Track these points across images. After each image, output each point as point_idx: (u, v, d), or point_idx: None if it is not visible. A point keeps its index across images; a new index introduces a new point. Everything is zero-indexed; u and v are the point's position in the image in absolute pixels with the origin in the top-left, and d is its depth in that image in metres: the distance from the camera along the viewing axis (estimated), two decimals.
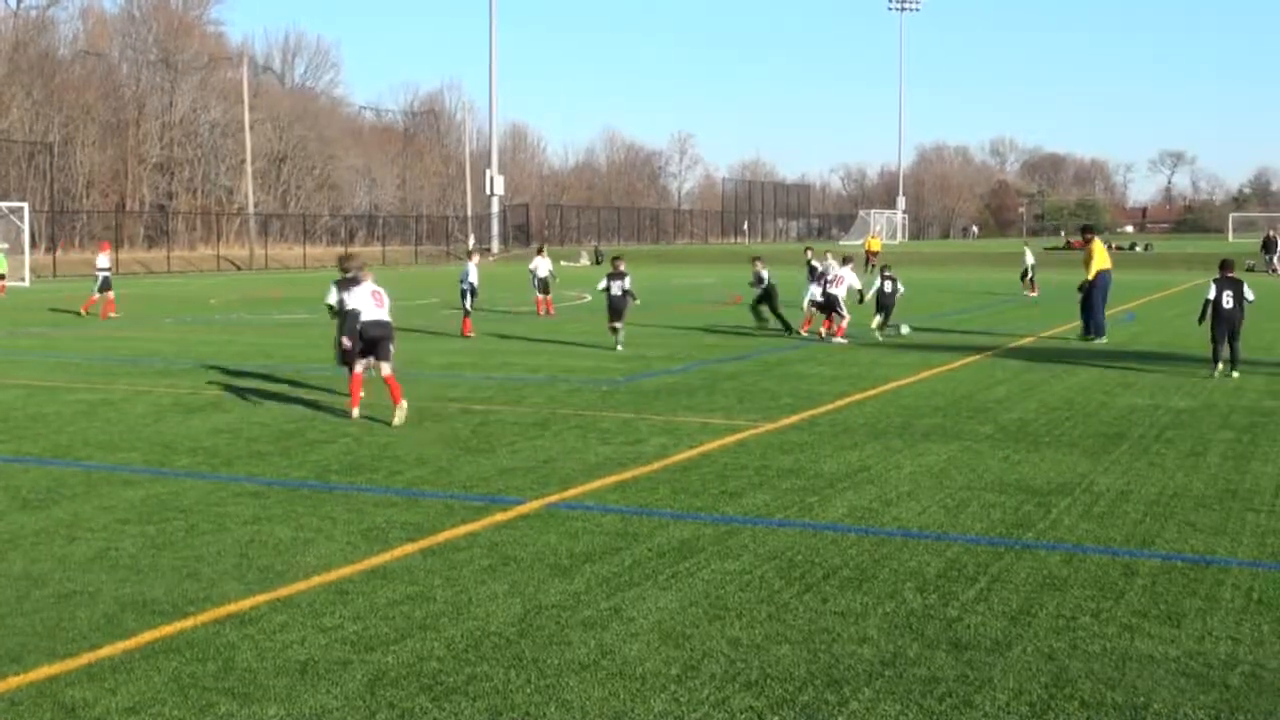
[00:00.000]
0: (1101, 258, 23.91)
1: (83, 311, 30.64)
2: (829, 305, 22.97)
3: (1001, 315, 30.21)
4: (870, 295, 24.23)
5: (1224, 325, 17.33)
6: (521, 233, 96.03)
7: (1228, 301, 17.38)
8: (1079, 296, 24.12)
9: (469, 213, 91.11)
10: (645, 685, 5.50)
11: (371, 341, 13.32)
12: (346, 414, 13.39)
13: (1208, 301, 17.47)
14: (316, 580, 7.13)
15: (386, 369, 13.37)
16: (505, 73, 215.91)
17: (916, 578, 7.21)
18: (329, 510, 8.94)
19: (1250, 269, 60.82)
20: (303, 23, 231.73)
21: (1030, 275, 39.79)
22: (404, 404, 13.01)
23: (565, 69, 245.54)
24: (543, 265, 30.95)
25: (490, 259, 78.01)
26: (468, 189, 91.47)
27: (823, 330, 23.49)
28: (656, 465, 10.64)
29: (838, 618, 6.46)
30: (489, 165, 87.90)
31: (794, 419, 13.22)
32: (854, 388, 15.84)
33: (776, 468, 10.53)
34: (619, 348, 20.88)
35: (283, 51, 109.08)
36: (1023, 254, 43.02)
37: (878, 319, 23.82)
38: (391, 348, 13.50)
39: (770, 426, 12.72)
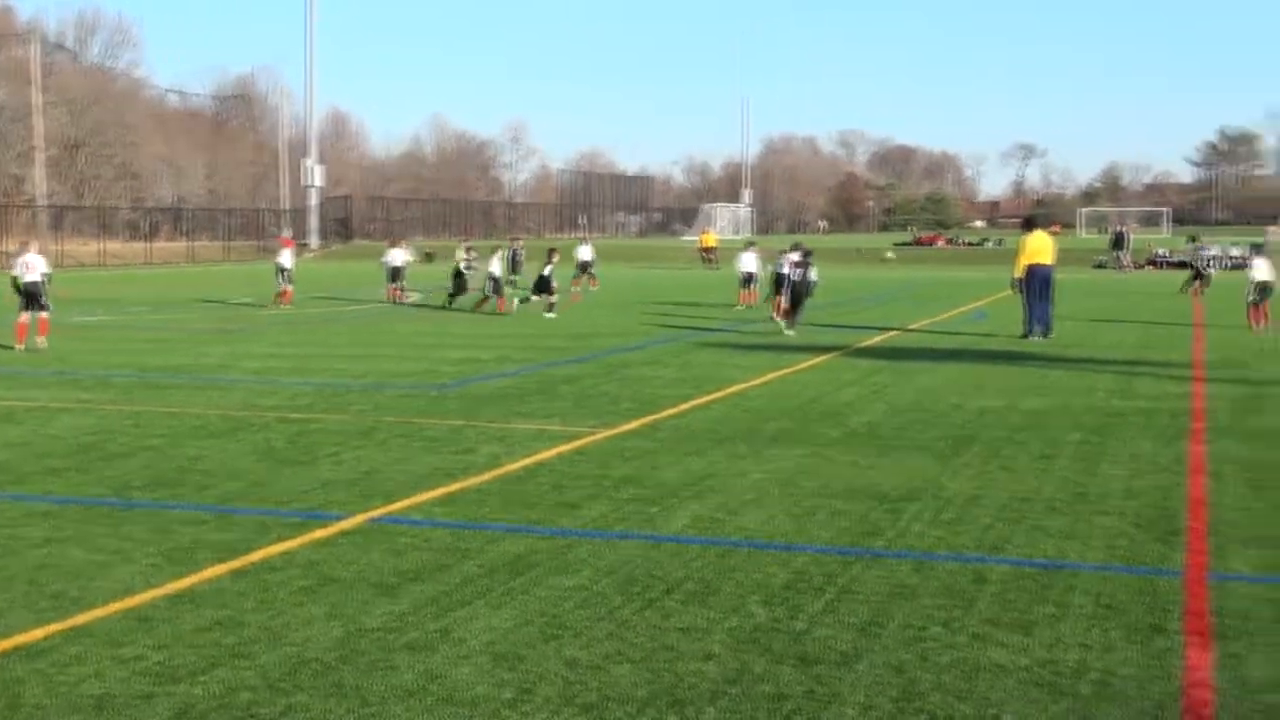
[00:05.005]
0: (1031, 251, 24.34)
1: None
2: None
3: (862, 313, 30.75)
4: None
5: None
6: (343, 227, 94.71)
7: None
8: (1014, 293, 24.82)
9: (285, 205, 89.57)
10: (475, 711, 5.47)
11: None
12: (151, 423, 13.14)
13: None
14: (115, 607, 6.93)
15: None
16: (324, 55, 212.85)
17: (762, 590, 7.30)
18: (129, 530, 8.70)
19: (1100, 265, 62.98)
20: None
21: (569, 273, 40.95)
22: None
23: (390, 51, 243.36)
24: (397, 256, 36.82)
25: (308, 254, 76.90)
26: (284, 180, 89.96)
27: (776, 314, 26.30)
28: (488, 475, 10.59)
29: (680, 634, 6.50)
30: (306, 154, 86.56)
31: (634, 424, 13.29)
32: (698, 391, 15.99)
33: (615, 477, 10.56)
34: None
35: (77, 28, 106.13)
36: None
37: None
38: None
39: (609, 433, 12.77)
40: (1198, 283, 36.55)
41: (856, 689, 5.75)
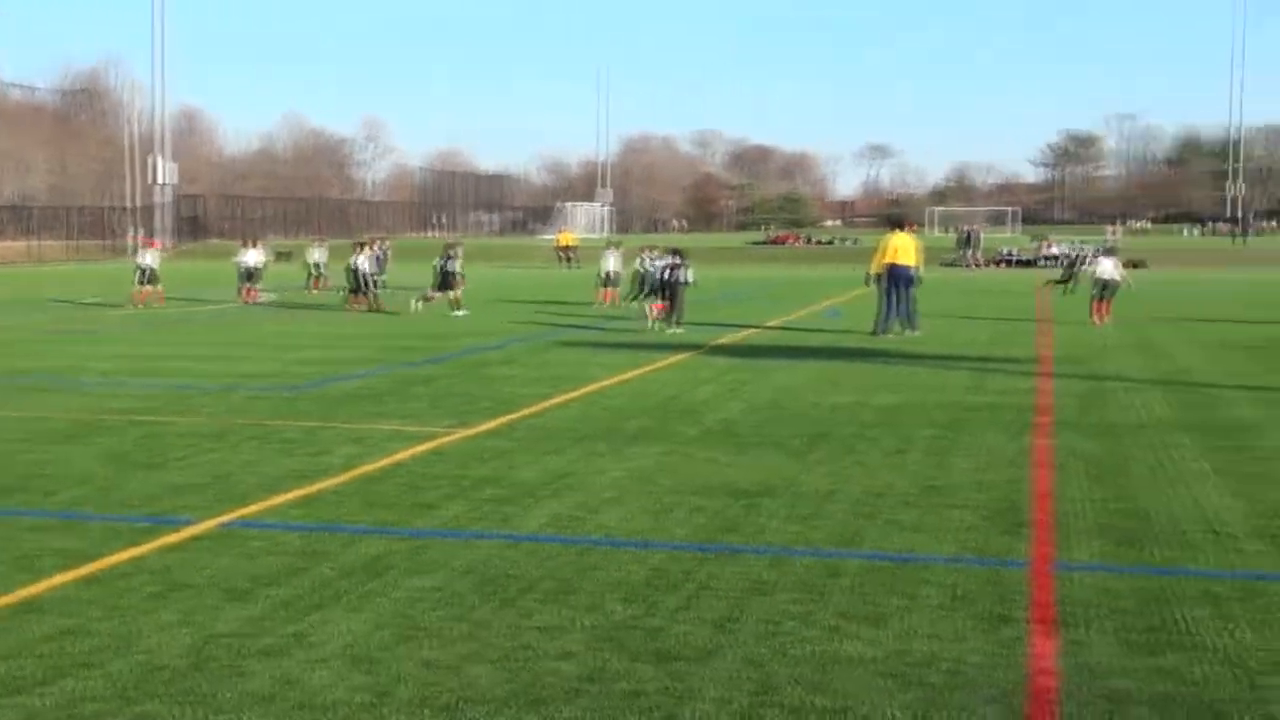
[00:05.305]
0: (892, 250, 24.63)
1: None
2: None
3: (718, 311, 30.98)
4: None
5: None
6: (195, 225, 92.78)
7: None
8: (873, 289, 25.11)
9: (135, 203, 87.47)
10: (331, 715, 5.41)
11: None
12: None
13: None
14: None
15: None
16: (175, 49, 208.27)
17: (621, 587, 7.33)
18: None
19: (950, 264, 64.33)
20: None
21: (317, 274, 40.41)
22: None
23: (244, 45, 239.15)
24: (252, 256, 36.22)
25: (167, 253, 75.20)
26: (134, 177, 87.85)
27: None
28: (344, 477, 10.48)
29: (538, 633, 6.50)
30: (156, 151, 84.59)
31: (492, 424, 13.24)
32: (556, 390, 15.98)
33: (473, 476, 10.52)
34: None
35: None
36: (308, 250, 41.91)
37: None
38: None
39: (467, 433, 12.71)
40: (1067, 281, 37.00)
41: (714, 684, 5.80)
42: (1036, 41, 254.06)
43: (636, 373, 17.93)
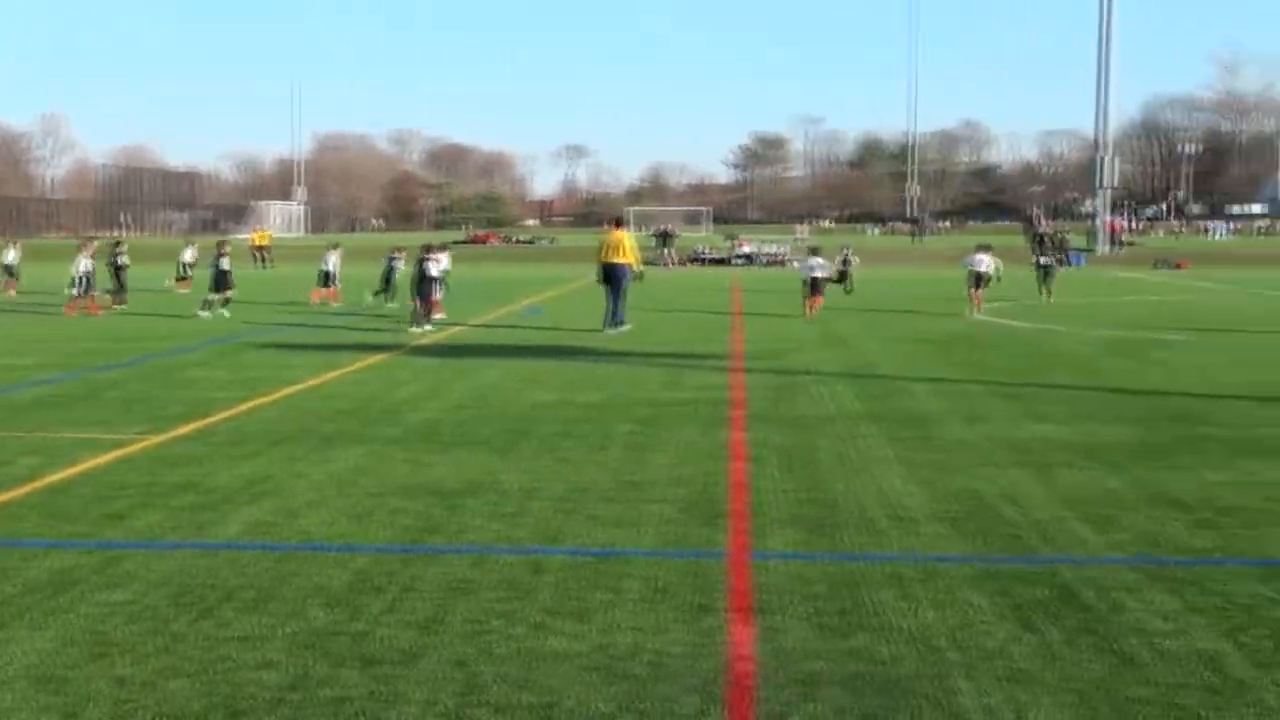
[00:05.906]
0: (606, 247, 25.65)
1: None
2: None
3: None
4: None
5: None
6: None
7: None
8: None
9: None
10: None
11: None
12: None
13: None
14: None
15: None
16: None
17: (322, 593, 7.19)
18: None
19: (648, 262, 65.62)
20: None
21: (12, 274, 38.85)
22: None
23: None
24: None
25: None
26: None
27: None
28: (26, 489, 9.95)
29: (237, 643, 6.32)
30: None
31: (186, 429, 12.81)
32: (253, 392, 15.57)
33: (166, 484, 10.15)
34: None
35: None
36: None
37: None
38: None
39: (160, 439, 12.25)
40: (842, 281, 37.81)
41: (420, 686, 5.76)
42: (727, 45, 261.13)
43: (336, 374, 17.63)
